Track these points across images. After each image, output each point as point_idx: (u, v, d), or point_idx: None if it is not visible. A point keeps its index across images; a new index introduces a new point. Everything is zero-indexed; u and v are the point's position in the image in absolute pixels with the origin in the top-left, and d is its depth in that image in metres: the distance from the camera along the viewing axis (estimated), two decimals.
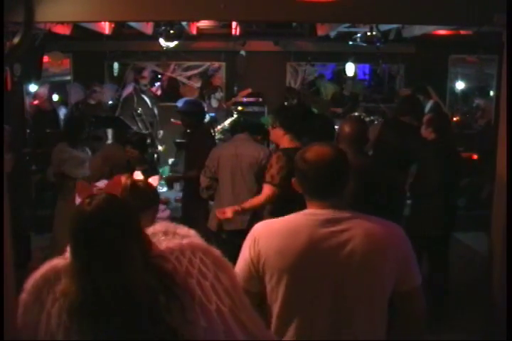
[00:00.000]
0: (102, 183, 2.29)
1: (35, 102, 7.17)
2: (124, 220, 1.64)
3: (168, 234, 1.84)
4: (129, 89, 7.73)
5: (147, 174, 4.17)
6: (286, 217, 1.93)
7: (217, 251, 1.75)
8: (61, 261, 1.69)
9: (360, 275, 1.79)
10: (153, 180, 2.43)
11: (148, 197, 2.27)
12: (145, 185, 2.30)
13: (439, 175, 4.10)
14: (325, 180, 1.86)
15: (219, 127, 6.87)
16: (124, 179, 2.22)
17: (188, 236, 1.89)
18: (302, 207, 1.95)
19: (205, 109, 7.10)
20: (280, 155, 3.51)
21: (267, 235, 1.87)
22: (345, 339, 1.82)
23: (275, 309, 1.87)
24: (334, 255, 1.79)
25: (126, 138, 4.84)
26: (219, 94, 7.45)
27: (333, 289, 1.79)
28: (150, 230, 1.82)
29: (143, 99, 7.12)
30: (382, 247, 1.81)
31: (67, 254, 1.72)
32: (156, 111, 7.21)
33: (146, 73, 8.28)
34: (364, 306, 1.81)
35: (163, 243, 1.78)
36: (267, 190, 3.51)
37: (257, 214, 3.95)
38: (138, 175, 2.35)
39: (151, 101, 7.23)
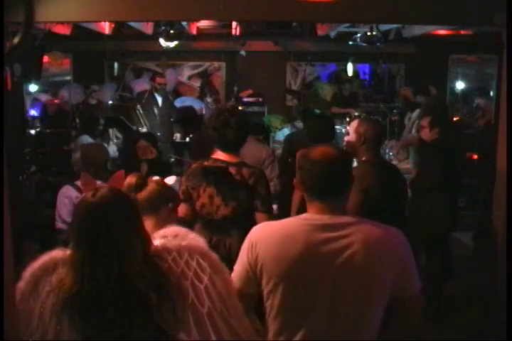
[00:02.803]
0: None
1: (56, 101, 7.23)
2: (126, 212, 1.68)
3: (177, 237, 1.86)
4: (142, 85, 7.73)
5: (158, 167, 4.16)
6: (283, 220, 1.90)
7: (214, 255, 1.76)
8: (60, 252, 1.72)
9: (357, 282, 1.77)
10: (169, 180, 2.41)
11: (161, 196, 2.26)
12: (156, 184, 2.29)
13: (440, 174, 4.12)
14: (327, 179, 1.82)
15: None
16: (129, 178, 2.23)
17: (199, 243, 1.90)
18: None
19: (203, 111, 7.14)
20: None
21: (264, 239, 1.84)
22: None
23: (272, 312, 1.85)
24: (331, 261, 1.76)
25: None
26: (210, 99, 7.45)
27: (330, 295, 1.77)
28: (160, 233, 1.82)
29: (154, 97, 7.12)
30: (382, 254, 1.78)
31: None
32: (160, 111, 7.20)
33: (169, 76, 8.32)
34: (361, 312, 1.79)
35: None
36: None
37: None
38: (170, 180, 2.34)
39: (163, 101, 7.22)
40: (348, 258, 1.75)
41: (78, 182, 3.44)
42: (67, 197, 3.41)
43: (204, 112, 7.20)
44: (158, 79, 7.31)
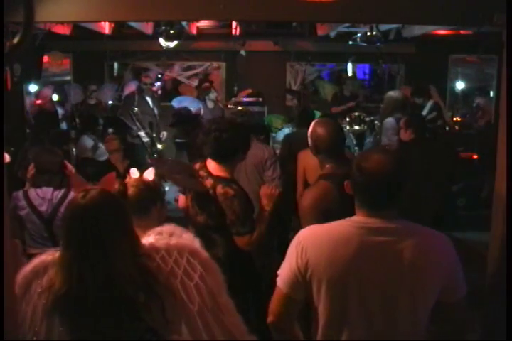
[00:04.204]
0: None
1: (38, 102, 7.19)
2: (116, 215, 1.67)
3: (172, 237, 1.86)
4: (131, 87, 7.72)
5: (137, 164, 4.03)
6: (332, 224, 1.86)
7: (204, 253, 1.75)
8: (50, 255, 1.72)
9: (408, 287, 1.76)
10: (149, 174, 2.36)
11: (146, 198, 2.24)
12: (139, 186, 2.25)
13: (415, 176, 4.12)
14: (382, 194, 1.78)
15: None
16: (117, 185, 2.21)
17: (192, 242, 1.89)
18: None
19: (201, 111, 7.14)
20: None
21: (314, 244, 1.81)
22: None
23: (322, 317, 1.83)
24: (383, 265, 1.75)
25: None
26: (213, 95, 7.43)
27: (382, 299, 1.77)
28: (157, 229, 1.82)
29: (144, 98, 7.11)
30: (431, 260, 1.78)
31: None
32: (156, 111, 7.21)
33: (152, 74, 8.29)
34: (409, 316, 1.79)
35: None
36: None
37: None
38: (134, 173, 2.31)
39: (152, 101, 7.22)
40: (399, 263, 1.74)
41: (33, 190, 3.27)
42: (13, 206, 3.24)
43: (202, 112, 7.21)
44: (144, 79, 7.29)
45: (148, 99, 7.14)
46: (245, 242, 2.82)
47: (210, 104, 7.47)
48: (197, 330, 1.67)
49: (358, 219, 1.82)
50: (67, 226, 1.65)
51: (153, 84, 7.38)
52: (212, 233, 2.87)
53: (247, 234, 2.81)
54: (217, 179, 2.86)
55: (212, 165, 2.93)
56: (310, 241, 1.81)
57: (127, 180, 2.23)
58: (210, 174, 2.89)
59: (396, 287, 1.76)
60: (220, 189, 2.81)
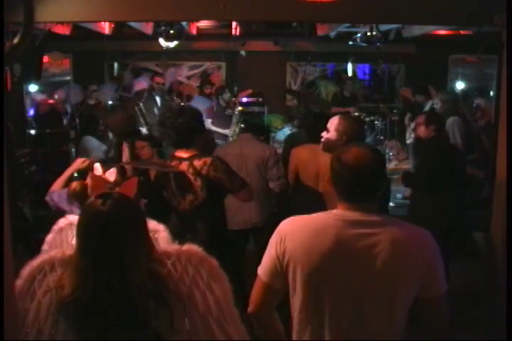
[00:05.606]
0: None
1: (50, 101, 7.21)
2: (136, 222, 1.66)
3: (157, 234, 1.86)
4: (141, 84, 7.74)
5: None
6: (313, 215, 1.89)
7: (214, 261, 1.74)
8: (59, 253, 1.70)
9: (383, 281, 1.76)
10: (110, 175, 2.27)
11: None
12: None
13: (432, 173, 4.11)
14: (360, 186, 1.79)
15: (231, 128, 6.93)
16: (74, 184, 2.19)
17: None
18: None
19: (214, 109, 7.18)
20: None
21: (293, 233, 1.83)
22: None
23: (296, 307, 1.85)
24: (359, 258, 1.76)
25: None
26: (226, 95, 7.46)
27: (356, 292, 1.77)
28: None
29: (153, 96, 7.12)
30: (408, 254, 1.78)
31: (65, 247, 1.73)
32: (156, 111, 7.21)
33: (168, 77, 8.34)
34: (385, 310, 1.78)
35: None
36: None
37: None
38: (97, 169, 2.26)
39: (161, 100, 7.23)
40: (375, 256, 1.75)
41: None
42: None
43: (216, 110, 7.26)
44: (157, 79, 7.31)
45: (158, 98, 7.15)
46: (249, 194, 3.23)
47: (223, 103, 7.50)
48: (201, 338, 1.65)
49: (337, 212, 1.85)
50: (85, 233, 1.62)
51: (164, 85, 7.42)
52: (196, 220, 3.04)
53: (246, 185, 3.16)
54: (190, 158, 3.06)
55: (180, 153, 3.13)
56: (289, 231, 1.85)
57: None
58: (182, 159, 3.08)
59: (371, 280, 1.76)
60: (196, 161, 3.02)
